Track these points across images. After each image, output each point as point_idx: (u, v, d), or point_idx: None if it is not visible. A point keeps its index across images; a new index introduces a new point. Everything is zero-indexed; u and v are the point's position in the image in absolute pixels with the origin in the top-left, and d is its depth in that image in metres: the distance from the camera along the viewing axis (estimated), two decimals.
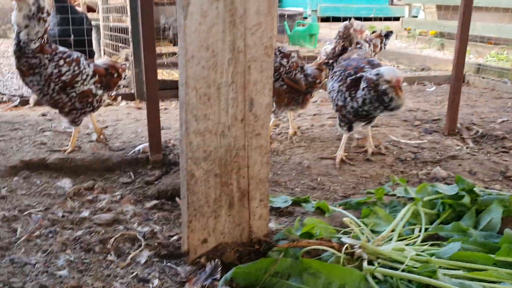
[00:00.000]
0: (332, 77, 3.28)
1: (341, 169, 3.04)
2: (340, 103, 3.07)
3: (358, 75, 2.96)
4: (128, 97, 5.15)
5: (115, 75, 3.46)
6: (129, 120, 4.25)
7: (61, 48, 3.19)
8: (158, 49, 6.28)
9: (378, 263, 1.83)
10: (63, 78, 3.11)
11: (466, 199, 2.22)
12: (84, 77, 3.22)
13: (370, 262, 1.85)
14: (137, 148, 3.34)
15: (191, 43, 1.77)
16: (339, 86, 3.09)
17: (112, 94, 5.12)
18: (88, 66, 3.28)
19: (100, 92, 3.36)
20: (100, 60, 3.61)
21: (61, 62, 3.11)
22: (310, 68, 3.65)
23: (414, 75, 6.72)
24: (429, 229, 2.13)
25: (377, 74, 2.78)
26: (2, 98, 4.98)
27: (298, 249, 1.97)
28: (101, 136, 3.60)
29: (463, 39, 3.62)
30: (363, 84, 2.87)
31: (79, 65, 3.20)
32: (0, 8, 11.02)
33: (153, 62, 3.03)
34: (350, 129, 3.15)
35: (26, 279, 1.83)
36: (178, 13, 1.78)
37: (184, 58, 1.79)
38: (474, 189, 2.30)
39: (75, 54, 3.24)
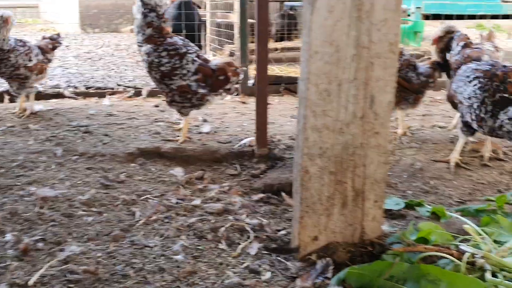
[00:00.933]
0: (463, 79, 3.00)
1: (456, 174, 2.87)
2: (480, 115, 2.76)
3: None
4: (246, 91, 5.24)
5: (222, 77, 3.39)
6: (234, 114, 4.36)
7: (170, 40, 3.32)
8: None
9: (504, 276, 1.70)
10: (162, 68, 3.26)
11: None
12: (184, 72, 3.32)
13: (493, 274, 1.73)
14: (243, 142, 3.42)
15: (316, 38, 1.76)
16: (480, 94, 2.79)
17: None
18: (192, 63, 3.33)
19: (202, 90, 3.36)
20: (217, 60, 3.63)
21: (164, 53, 3.26)
22: (423, 66, 3.49)
23: None
24: None
25: None
26: (118, 88, 5.35)
27: (413, 254, 1.90)
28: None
29: None
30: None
31: (182, 59, 3.31)
32: (113, 3, 11.81)
33: (265, 57, 3.08)
34: (472, 134, 2.95)
35: (145, 260, 1.94)
36: (304, 9, 1.78)
37: (307, 53, 1.79)
38: None
39: (183, 48, 3.34)
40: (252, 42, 6.97)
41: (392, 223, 2.30)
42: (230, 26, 6.40)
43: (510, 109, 2.61)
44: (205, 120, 4.03)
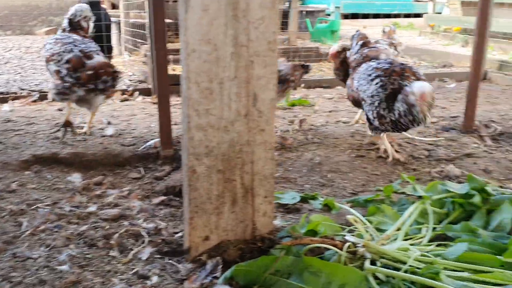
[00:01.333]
0: (365, 77, 3.11)
1: (352, 166, 2.99)
2: (380, 112, 2.91)
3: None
4: (145, 92, 5.17)
5: (90, 72, 3.35)
6: (143, 115, 4.27)
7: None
8: (174, 45, 6.30)
9: (381, 263, 1.78)
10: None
11: (477, 199, 2.15)
12: (59, 58, 3.39)
13: (373, 262, 1.80)
14: (148, 144, 3.35)
15: (192, 36, 1.75)
16: (377, 90, 2.94)
17: (129, 89, 5.17)
18: (69, 52, 3.39)
19: (69, 79, 3.36)
20: (99, 58, 3.52)
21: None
22: (283, 64, 3.62)
23: (435, 72, 6.59)
24: (437, 229, 2.07)
25: (410, 87, 2.72)
26: (22, 93, 5.06)
27: (301, 247, 1.94)
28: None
29: (481, 34, 3.52)
30: (400, 96, 2.79)
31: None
32: (25, 3, 11.19)
33: (164, 56, 3.03)
34: (381, 132, 3.09)
35: (26, 273, 1.84)
36: (179, 7, 1.76)
37: (185, 51, 1.77)
38: (486, 188, 2.23)
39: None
40: (170, 42, 6.91)
41: (287, 218, 2.34)
42: (143, 27, 6.27)
43: (399, 96, 2.78)
44: (109, 123, 3.91)
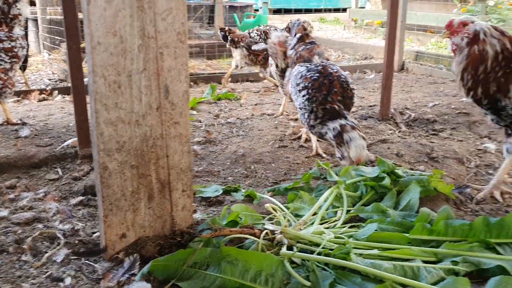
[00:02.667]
0: (295, 86, 2.96)
1: (275, 157, 3.04)
2: (310, 123, 2.80)
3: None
4: (65, 91, 4.96)
5: None
6: (61, 115, 4.09)
7: None
8: None
9: (298, 248, 1.83)
10: None
11: (387, 181, 2.26)
12: None
13: (290, 247, 1.85)
14: (66, 143, 3.22)
15: (97, 29, 1.70)
16: (303, 103, 2.81)
17: (48, 89, 4.94)
18: None
19: None
20: None
21: None
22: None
23: (357, 64, 6.83)
24: (351, 211, 2.16)
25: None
26: None
27: (222, 239, 1.95)
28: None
29: (392, 26, 3.69)
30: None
31: None
32: None
33: (77, 53, 2.92)
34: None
35: None
36: None
37: (90, 44, 1.71)
38: (396, 170, 2.35)
39: None
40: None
41: (209, 211, 2.34)
42: (61, 23, 5.99)
43: (330, 125, 2.69)
44: (24, 123, 3.72)
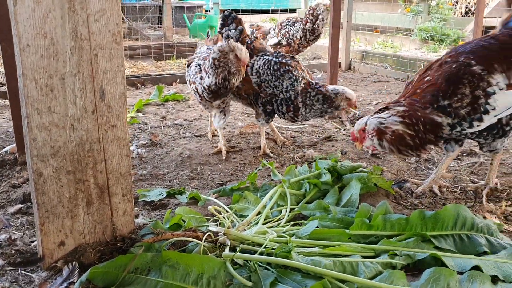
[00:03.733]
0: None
1: (222, 158, 3.03)
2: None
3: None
4: (4, 95, 4.75)
5: None
6: (1, 120, 3.92)
7: None
8: None
9: (241, 248, 1.83)
10: None
11: (328, 178, 2.30)
12: None
13: (234, 248, 1.85)
14: (4, 149, 3.08)
15: (25, 30, 1.63)
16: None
17: None
18: None
19: None
20: None
21: None
22: None
23: (306, 64, 6.92)
24: (295, 209, 2.18)
25: None
26: None
27: (164, 242, 1.92)
28: None
29: (335, 26, 3.76)
30: None
31: None
32: None
33: (13, 55, 2.79)
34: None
35: None
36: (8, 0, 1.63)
37: (18, 47, 1.65)
38: (337, 168, 2.39)
39: None
40: None
41: (153, 214, 2.30)
42: None
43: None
44: None
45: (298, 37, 5.26)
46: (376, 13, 9.58)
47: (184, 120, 3.89)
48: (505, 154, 2.98)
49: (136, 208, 2.40)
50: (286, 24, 5.32)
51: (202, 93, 2.91)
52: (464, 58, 2.22)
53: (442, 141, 2.40)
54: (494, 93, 2.17)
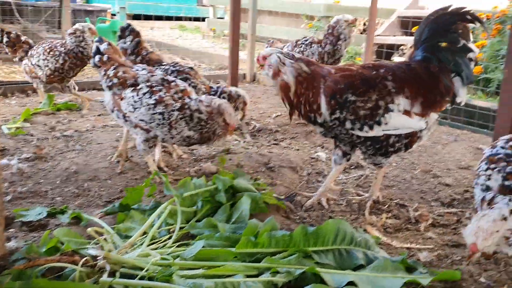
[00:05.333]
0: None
1: (112, 173, 2.89)
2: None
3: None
4: None
5: None
6: None
7: None
8: None
9: (121, 273, 1.74)
10: None
11: (221, 194, 2.27)
12: None
13: (114, 273, 1.74)
14: None
15: None
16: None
17: None
18: None
19: None
20: None
21: None
22: None
23: (211, 74, 6.91)
24: (185, 228, 2.12)
25: None
26: None
27: (37, 269, 1.77)
28: None
29: (235, 40, 3.78)
30: None
31: None
32: None
33: None
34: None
35: None
36: None
37: None
38: (233, 183, 2.37)
39: None
40: None
41: (30, 236, 2.12)
42: None
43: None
44: None
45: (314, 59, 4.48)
46: (281, 27, 9.84)
47: (75, 131, 3.67)
48: (388, 167, 3.16)
49: (11, 230, 2.19)
50: (302, 43, 4.48)
51: (167, 139, 2.77)
52: (384, 71, 2.39)
53: (317, 128, 2.49)
54: (392, 111, 2.33)
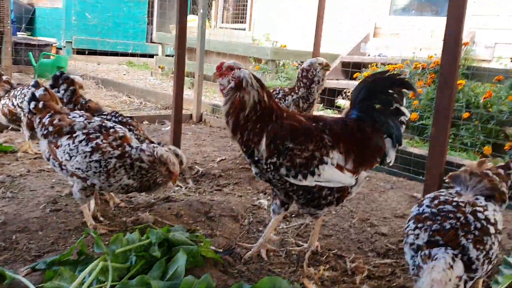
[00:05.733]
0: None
1: (44, 223, 2.75)
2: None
3: None
4: None
5: None
6: None
7: None
8: None
9: None
10: None
11: (156, 248, 2.22)
12: None
13: None
14: None
15: None
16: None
17: None
18: None
19: None
20: None
21: None
22: None
23: (157, 113, 6.85)
24: (116, 286, 2.04)
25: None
26: None
27: None
28: None
29: (179, 85, 3.78)
30: None
31: None
32: None
33: None
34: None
35: None
36: None
37: None
38: (169, 237, 2.32)
39: None
40: None
41: None
42: None
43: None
44: None
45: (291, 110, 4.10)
46: None
47: (8, 176, 3.50)
48: (327, 215, 3.21)
49: None
50: (275, 97, 4.29)
51: (104, 187, 2.67)
52: (323, 124, 2.45)
53: (253, 168, 2.49)
54: (326, 163, 2.37)
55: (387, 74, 2.56)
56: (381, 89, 2.51)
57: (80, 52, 13.82)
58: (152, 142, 2.99)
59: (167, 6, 15.53)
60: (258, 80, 2.42)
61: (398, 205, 3.55)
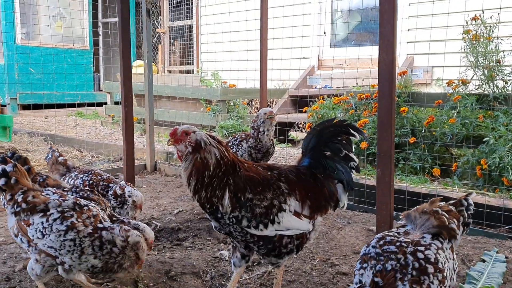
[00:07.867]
0: None
1: None
2: None
3: None
4: None
5: None
6: None
7: None
8: None
9: None
10: None
11: None
12: None
13: None
14: None
15: None
16: None
17: None
18: None
19: None
20: None
21: None
22: None
23: (110, 167, 6.72)
24: None
25: None
26: None
27: None
28: None
29: (128, 142, 3.76)
30: None
31: None
32: None
33: None
34: None
35: None
36: None
37: None
38: None
39: None
40: None
41: None
42: None
43: None
44: None
45: (246, 158, 4.11)
46: (182, 111, 10.01)
47: None
48: (289, 260, 3.23)
49: None
50: (233, 144, 4.25)
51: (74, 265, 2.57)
52: (277, 173, 2.53)
53: (213, 222, 2.50)
54: (284, 210, 2.44)
55: (334, 122, 2.66)
56: (329, 137, 2.61)
57: (26, 107, 13.49)
58: (118, 218, 2.91)
59: (111, 53, 15.48)
60: (214, 138, 2.48)
61: (356, 241, 3.62)
